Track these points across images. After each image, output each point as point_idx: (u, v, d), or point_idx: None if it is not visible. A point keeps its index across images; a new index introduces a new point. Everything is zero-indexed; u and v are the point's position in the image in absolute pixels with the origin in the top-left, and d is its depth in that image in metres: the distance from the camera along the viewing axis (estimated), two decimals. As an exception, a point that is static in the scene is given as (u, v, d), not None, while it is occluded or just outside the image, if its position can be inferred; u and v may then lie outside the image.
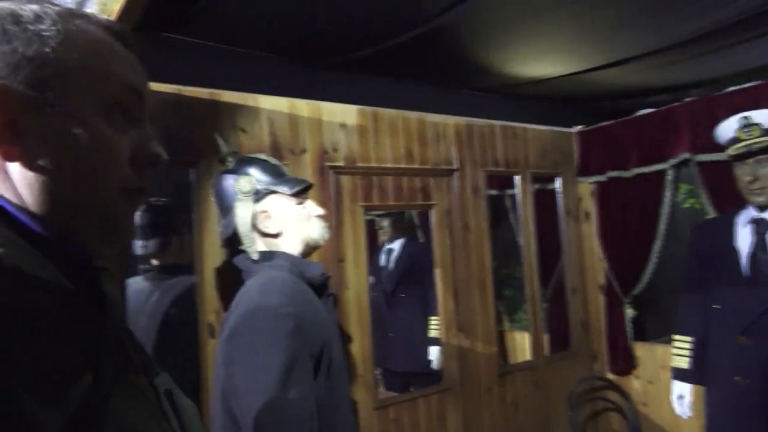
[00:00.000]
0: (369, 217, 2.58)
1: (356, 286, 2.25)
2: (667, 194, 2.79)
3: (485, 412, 2.62)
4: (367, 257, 2.31)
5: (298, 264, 1.46)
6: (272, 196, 1.52)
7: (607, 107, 3.87)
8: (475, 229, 2.69)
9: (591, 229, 3.20)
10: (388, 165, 2.40)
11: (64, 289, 0.52)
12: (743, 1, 2.33)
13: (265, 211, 1.50)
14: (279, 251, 1.48)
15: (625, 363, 3.03)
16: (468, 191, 2.68)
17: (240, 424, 1.23)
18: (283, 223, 1.50)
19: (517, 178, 2.95)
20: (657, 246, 2.84)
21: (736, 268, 2.05)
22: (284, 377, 1.21)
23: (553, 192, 3.18)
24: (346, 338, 2.19)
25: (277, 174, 1.56)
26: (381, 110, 2.42)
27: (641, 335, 3.11)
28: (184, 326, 1.96)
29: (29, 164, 0.55)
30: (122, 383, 0.57)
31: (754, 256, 2.03)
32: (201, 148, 1.88)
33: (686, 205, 3.48)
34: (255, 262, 1.47)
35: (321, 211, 1.55)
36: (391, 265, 3.43)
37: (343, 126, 2.28)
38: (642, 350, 3.02)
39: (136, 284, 2.07)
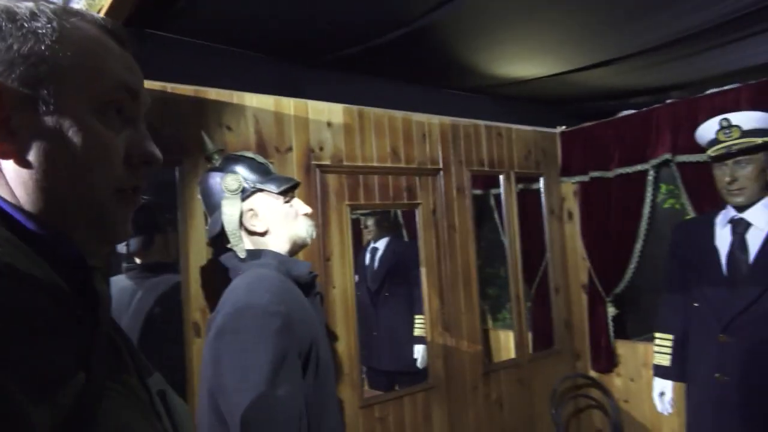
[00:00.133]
0: (354, 216, 2.58)
1: (342, 284, 2.25)
2: (649, 194, 2.83)
3: (470, 410, 2.64)
4: (353, 256, 2.31)
5: (285, 262, 1.46)
6: (259, 195, 1.51)
7: (589, 108, 3.91)
8: (461, 229, 2.70)
9: (574, 229, 3.24)
10: (374, 164, 2.40)
11: (57, 288, 0.52)
12: (723, 4, 2.37)
13: (252, 210, 1.49)
14: (266, 249, 1.47)
15: (607, 361, 3.07)
16: (453, 191, 2.69)
17: (228, 423, 1.23)
18: (271, 221, 1.49)
19: (502, 178, 2.97)
20: (638, 245, 2.88)
21: (716, 268, 2.09)
22: (272, 375, 1.20)
23: (536, 192, 3.21)
24: (332, 337, 2.18)
25: (264, 172, 1.55)
26: (367, 109, 2.42)
27: (623, 333, 3.16)
28: (169, 325, 1.94)
29: (23, 162, 0.55)
30: (115, 383, 0.57)
31: (732, 255, 2.07)
32: (186, 146, 1.87)
33: (666, 206, 3.54)
34: (242, 260, 1.47)
35: (308, 209, 1.55)
36: (376, 264, 3.43)
37: (329, 125, 2.27)
38: (624, 348, 3.07)
39: (119, 283, 2.04)
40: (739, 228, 2.08)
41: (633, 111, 2.96)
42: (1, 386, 0.42)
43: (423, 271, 2.58)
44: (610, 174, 2.99)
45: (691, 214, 2.65)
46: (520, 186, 3.14)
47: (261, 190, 1.51)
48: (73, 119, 0.56)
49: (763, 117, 2.02)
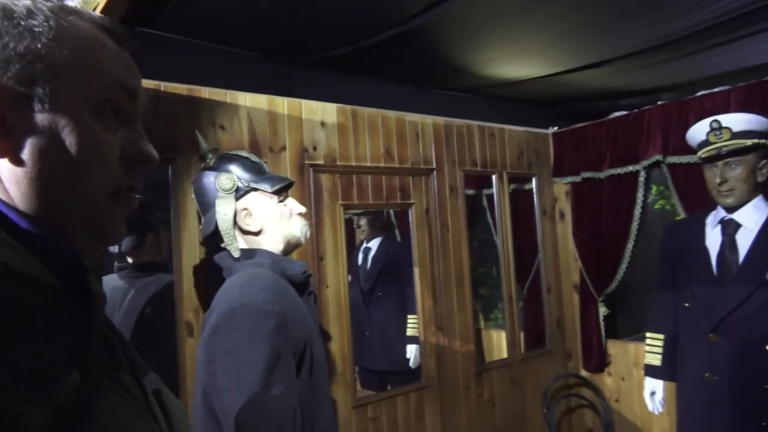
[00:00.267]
0: (347, 216, 2.58)
1: (336, 284, 2.25)
2: (640, 195, 2.85)
3: (462, 410, 2.65)
4: (346, 256, 2.31)
5: (279, 262, 1.46)
6: (253, 194, 1.51)
7: (581, 109, 3.94)
8: (453, 229, 2.71)
9: (566, 229, 3.25)
10: (368, 164, 2.40)
11: (51, 288, 0.52)
12: (713, 7, 2.40)
13: (246, 209, 1.49)
14: (260, 249, 1.47)
15: (599, 360, 3.09)
16: (446, 191, 2.70)
17: (222, 423, 1.22)
18: (265, 220, 1.49)
19: (494, 178, 2.98)
20: (629, 246, 2.90)
21: (707, 268, 2.11)
22: (266, 375, 1.20)
23: (529, 192, 3.23)
24: (325, 337, 2.18)
25: (258, 171, 1.55)
26: (360, 109, 2.42)
27: (614, 333, 3.18)
28: (161, 325, 1.94)
29: (18, 161, 0.54)
30: (111, 382, 0.57)
31: (722, 255, 2.09)
32: (179, 145, 1.86)
33: (657, 207, 3.57)
34: (236, 259, 1.46)
35: (302, 209, 1.55)
36: (369, 263, 3.43)
37: (322, 124, 2.27)
38: (615, 348, 3.09)
39: (111, 282, 2.03)
40: (729, 229, 2.10)
41: (624, 112, 2.98)
42: None
43: (416, 270, 2.58)
44: (601, 175, 3.00)
45: (682, 215, 2.67)
46: (513, 186, 3.15)
47: (255, 190, 1.51)
48: (69, 118, 0.56)
49: (753, 119, 2.04)
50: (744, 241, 2.05)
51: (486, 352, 3.65)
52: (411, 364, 3.15)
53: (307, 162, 2.20)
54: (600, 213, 3.03)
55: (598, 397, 3.08)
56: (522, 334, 3.08)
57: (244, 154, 1.60)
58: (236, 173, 1.52)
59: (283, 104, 2.16)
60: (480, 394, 2.74)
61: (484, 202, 3.38)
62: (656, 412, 2.40)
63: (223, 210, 1.48)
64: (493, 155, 2.96)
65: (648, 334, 2.38)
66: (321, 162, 2.25)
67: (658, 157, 2.72)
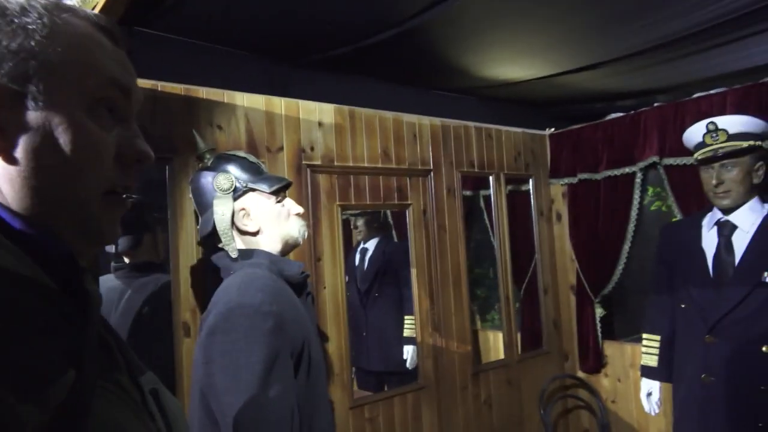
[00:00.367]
0: (344, 217, 2.58)
1: (333, 285, 2.25)
2: (636, 196, 2.86)
3: (459, 411, 2.65)
4: (343, 256, 2.31)
5: (277, 262, 1.46)
6: (251, 194, 1.51)
7: (578, 110, 3.95)
8: (451, 229, 2.71)
9: (563, 230, 3.26)
10: (365, 164, 2.40)
11: (46, 287, 0.52)
12: (709, 9, 2.41)
13: (244, 209, 1.49)
14: (258, 249, 1.47)
15: (595, 361, 3.09)
16: (443, 191, 2.70)
17: (219, 423, 1.22)
18: (263, 221, 1.49)
19: (492, 179, 2.99)
20: (626, 247, 2.90)
21: (703, 269, 2.11)
22: (264, 375, 1.20)
23: (525, 193, 3.23)
24: (323, 337, 2.18)
25: (256, 172, 1.55)
26: (358, 109, 2.42)
27: (610, 334, 3.18)
28: (157, 325, 1.93)
29: (11, 159, 0.54)
30: (107, 382, 0.56)
31: (718, 257, 2.10)
32: (176, 144, 1.85)
33: (653, 208, 3.57)
34: (234, 260, 1.46)
35: (300, 209, 1.55)
36: (366, 264, 3.43)
37: (320, 124, 2.27)
38: (611, 349, 3.09)
39: (108, 282, 2.02)
40: (725, 230, 2.10)
41: (621, 114, 2.99)
42: None
43: (413, 271, 2.58)
44: (598, 176, 3.01)
45: (678, 216, 2.68)
46: (510, 187, 3.15)
47: (253, 190, 1.51)
48: (63, 116, 0.55)
49: (748, 121, 2.05)
50: (740, 242, 2.06)
51: (483, 353, 3.65)
52: (408, 364, 3.15)
53: (304, 162, 2.20)
54: (597, 214, 3.03)
55: (594, 398, 3.08)
56: (519, 335, 3.08)
57: (242, 154, 1.60)
58: (234, 173, 1.52)
59: (280, 104, 2.16)
60: (477, 395, 2.74)
61: (481, 203, 3.38)
62: (653, 413, 2.41)
63: (221, 210, 1.48)
64: (490, 156, 2.96)
65: (644, 335, 2.39)
66: (318, 162, 2.24)
67: (655, 158, 2.73)
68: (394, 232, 3.61)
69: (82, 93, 0.57)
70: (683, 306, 2.18)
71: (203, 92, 1.96)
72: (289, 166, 2.15)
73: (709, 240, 2.15)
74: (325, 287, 2.22)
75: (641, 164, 2.80)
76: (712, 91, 2.60)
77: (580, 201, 3.12)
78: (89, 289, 0.58)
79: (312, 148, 2.23)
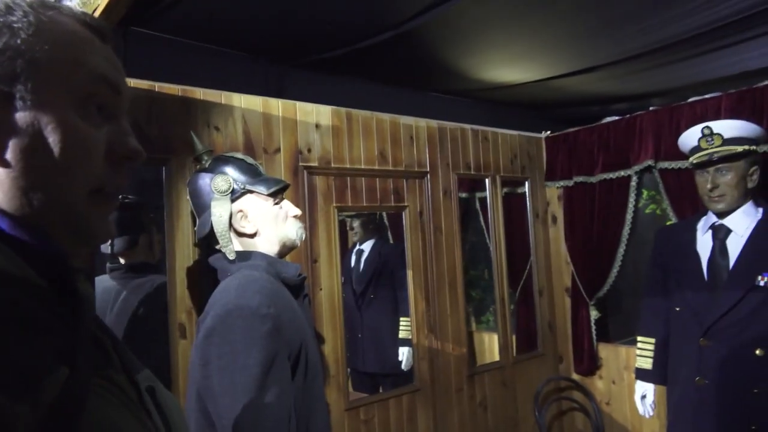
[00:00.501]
0: (340, 218, 2.58)
1: (329, 286, 2.25)
2: (631, 200, 2.87)
3: (455, 413, 2.65)
4: (339, 258, 2.31)
5: (274, 264, 1.45)
6: (249, 196, 1.50)
7: (573, 114, 3.96)
8: (447, 231, 2.71)
9: (558, 233, 3.27)
10: (362, 166, 2.40)
11: (37, 287, 0.51)
12: (704, 14, 2.42)
13: (241, 211, 1.49)
14: (255, 251, 1.47)
15: (590, 363, 3.10)
16: (440, 193, 2.70)
17: (216, 425, 1.22)
18: (260, 223, 1.49)
19: (488, 182, 2.99)
20: (621, 250, 2.91)
21: (698, 273, 2.12)
22: (262, 378, 1.20)
23: (521, 195, 3.24)
24: (319, 339, 2.18)
25: (253, 173, 1.55)
26: (355, 111, 2.42)
27: (605, 337, 3.19)
28: (153, 326, 1.92)
29: (0, 160, 0.53)
30: (102, 379, 0.56)
31: (712, 260, 2.11)
32: (173, 146, 1.85)
33: (648, 211, 3.59)
34: (231, 261, 1.46)
35: (298, 211, 1.55)
36: (362, 266, 3.43)
37: (317, 126, 2.27)
38: (606, 351, 3.10)
39: (103, 283, 2.01)
40: (720, 234, 2.12)
41: (617, 117, 3.00)
42: None
43: (409, 273, 2.58)
44: (593, 179, 3.02)
45: (673, 219, 2.70)
46: (506, 190, 3.16)
47: (251, 192, 1.50)
48: (51, 115, 0.54)
49: (743, 125, 2.07)
50: (734, 246, 2.07)
51: (478, 354, 3.65)
52: (403, 366, 3.15)
53: (301, 164, 2.20)
54: (592, 217, 3.05)
55: (589, 400, 3.09)
56: (514, 337, 3.09)
57: (240, 156, 1.60)
58: (232, 175, 1.52)
59: (277, 106, 2.16)
60: (472, 397, 2.75)
61: (477, 205, 3.39)
62: (647, 416, 2.42)
63: (219, 212, 1.48)
64: (486, 159, 2.97)
65: (639, 338, 2.40)
66: (315, 164, 2.24)
67: (650, 162, 2.74)
68: (389, 234, 3.62)
69: (70, 91, 0.56)
70: (678, 309, 2.19)
71: (200, 93, 1.96)
72: (286, 168, 2.15)
73: (704, 243, 2.16)
74: (321, 289, 2.22)
75: (636, 167, 2.81)
76: (707, 96, 2.62)
77: (576, 204, 3.13)
78: (81, 288, 0.58)
79: (309, 150, 2.23)
